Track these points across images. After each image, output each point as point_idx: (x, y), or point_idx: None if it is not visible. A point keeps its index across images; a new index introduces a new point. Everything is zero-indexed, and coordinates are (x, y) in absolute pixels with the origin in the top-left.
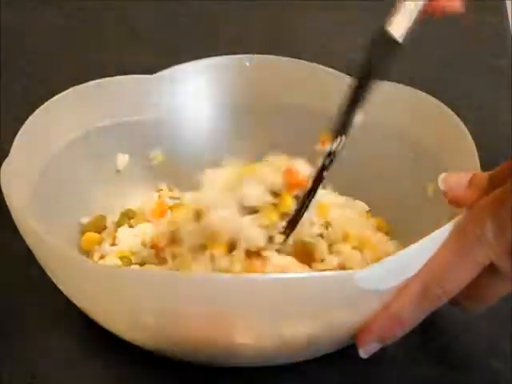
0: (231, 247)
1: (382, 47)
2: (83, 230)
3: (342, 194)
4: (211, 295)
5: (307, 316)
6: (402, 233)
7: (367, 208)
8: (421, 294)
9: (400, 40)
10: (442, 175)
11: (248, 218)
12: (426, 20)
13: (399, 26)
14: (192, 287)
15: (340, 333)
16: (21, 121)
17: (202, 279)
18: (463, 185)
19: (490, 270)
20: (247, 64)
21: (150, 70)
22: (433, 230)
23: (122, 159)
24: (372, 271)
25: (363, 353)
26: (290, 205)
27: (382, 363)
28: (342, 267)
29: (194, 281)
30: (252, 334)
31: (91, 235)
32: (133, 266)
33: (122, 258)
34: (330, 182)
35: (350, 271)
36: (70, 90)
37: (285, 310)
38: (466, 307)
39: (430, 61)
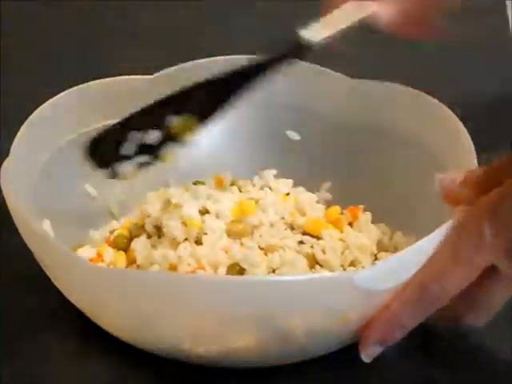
0: None
1: (292, 48)
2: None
3: (339, 192)
4: (211, 296)
5: (307, 317)
6: (401, 232)
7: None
8: (420, 294)
9: (313, 44)
10: (439, 175)
11: None
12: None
13: (317, 34)
14: (191, 288)
15: (340, 333)
16: (21, 121)
17: (200, 280)
18: (457, 182)
19: (491, 273)
20: None
21: (150, 70)
22: (432, 230)
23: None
24: (371, 272)
25: (365, 357)
26: None
27: (382, 364)
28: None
29: (193, 282)
30: (252, 334)
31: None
32: (133, 268)
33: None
34: (329, 181)
35: (349, 272)
36: (70, 90)
37: (285, 311)
38: (468, 321)
39: (429, 61)
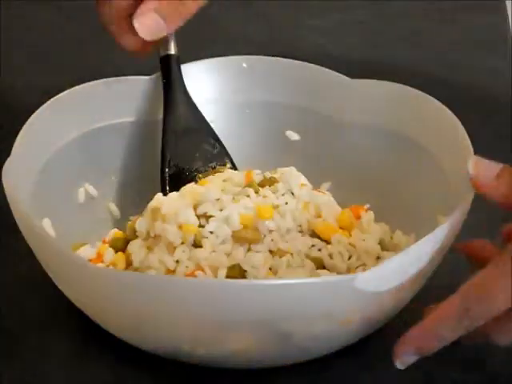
0: None
1: (173, 65)
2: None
3: (340, 193)
4: (210, 299)
5: (309, 319)
6: (400, 232)
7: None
8: (462, 312)
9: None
10: (473, 158)
11: None
12: (425, 20)
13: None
14: (189, 291)
15: (341, 335)
16: (21, 121)
17: (199, 283)
18: (491, 174)
19: None
20: (244, 65)
21: (150, 71)
22: (431, 230)
23: (121, 159)
24: (372, 274)
25: (400, 364)
26: None
27: (382, 364)
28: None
29: (192, 285)
30: (254, 336)
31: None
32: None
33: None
34: (329, 181)
35: (350, 275)
36: (70, 90)
37: (287, 314)
38: (497, 340)
39: (429, 61)
